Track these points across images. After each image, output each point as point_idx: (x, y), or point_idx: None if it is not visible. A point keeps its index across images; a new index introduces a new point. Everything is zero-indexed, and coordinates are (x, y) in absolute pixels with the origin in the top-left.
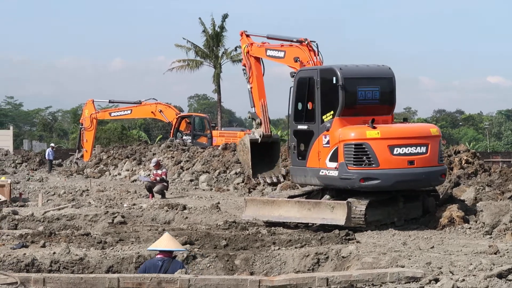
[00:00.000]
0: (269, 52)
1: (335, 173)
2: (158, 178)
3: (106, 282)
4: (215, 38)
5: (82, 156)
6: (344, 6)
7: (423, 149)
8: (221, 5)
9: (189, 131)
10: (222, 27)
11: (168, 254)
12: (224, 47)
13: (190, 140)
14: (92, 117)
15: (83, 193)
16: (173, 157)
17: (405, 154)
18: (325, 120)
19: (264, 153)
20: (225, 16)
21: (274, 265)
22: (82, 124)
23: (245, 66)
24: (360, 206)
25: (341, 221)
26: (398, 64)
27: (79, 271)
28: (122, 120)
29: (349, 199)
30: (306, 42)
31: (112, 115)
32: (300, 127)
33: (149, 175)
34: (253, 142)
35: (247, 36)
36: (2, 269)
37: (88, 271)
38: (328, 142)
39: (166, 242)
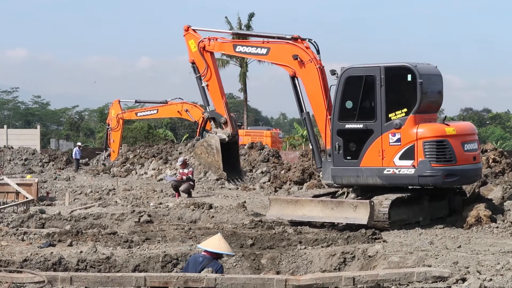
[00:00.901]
0: (241, 48)
1: (410, 171)
2: (184, 177)
3: (133, 281)
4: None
5: (109, 155)
6: (366, 5)
7: (477, 145)
8: (248, 4)
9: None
10: (248, 26)
11: (213, 254)
12: None
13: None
14: (118, 117)
15: (109, 192)
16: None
17: (471, 150)
18: (392, 118)
19: (223, 154)
20: (251, 15)
21: (300, 264)
22: (108, 125)
23: (193, 62)
24: (383, 205)
25: (364, 220)
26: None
27: (106, 270)
28: (149, 120)
29: (374, 198)
30: (307, 40)
31: (138, 115)
32: (349, 126)
33: (175, 174)
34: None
35: (194, 30)
36: (30, 268)
37: (115, 270)
38: (398, 140)
39: (213, 243)
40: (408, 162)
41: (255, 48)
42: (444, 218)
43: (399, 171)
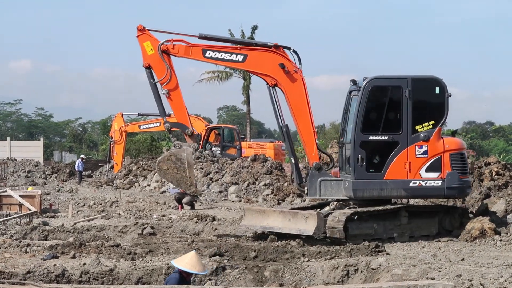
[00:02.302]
0: (212, 54)
1: (437, 183)
2: None
3: None
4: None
5: (112, 168)
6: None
7: None
8: (250, 17)
9: (218, 143)
10: (251, 39)
11: (184, 272)
12: None
13: (219, 152)
14: (121, 130)
15: (112, 204)
16: (203, 169)
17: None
18: (419, 130)
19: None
20: (254, 28)
21: (303, 276)
22: (111, 137)
23: (149, 67)
24: (340, 218)
25: (310, 232)
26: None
27: (109, 282)
28: (152, 132)
29: (327, 210)
30: (291, 50)
31: (141, 127)
32: (373, 137)
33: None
34: None
35: (149, 31)
36: (33, 280)
37: (118, 282)
38: (425, 152)
39: (186, 261)
40: (435, 174)
41: (229, 55)
42: (432, 236)
43: (425, 183)
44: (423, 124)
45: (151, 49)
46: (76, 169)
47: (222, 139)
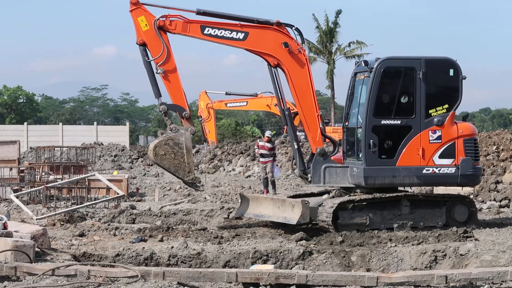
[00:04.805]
0: (212, 31)
1: (451, 170)
2: (263, 151)
3: (224, 276)
4: (329, 34)
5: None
6: None
7: None
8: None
9: (302, 127)
10: (335, 23)
11: None
12: (338, 43)
13: (303, 136)
14: (208, 107)
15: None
16: (287, 153)
17: None
18: (433, 114)
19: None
20: (338, 12)
21: (390, 262)
22: (200, 117)
23: (143, 44)
24: (329, 207)
25: (294, 220)
26: None
27: (197, 265)
28: (236, 116)
29: (325, 198)
30: (293, 28)
31: (228, 105)
32: (385, 122)
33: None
34: None
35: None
36: (122, 263)
37: (205, 265)
38: (439, 138)
39: None
40: (449, 161)
41: (229, 32)
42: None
43: (439, 170)
44: (436, 108)
45: (146, 24)
46: None
47: None
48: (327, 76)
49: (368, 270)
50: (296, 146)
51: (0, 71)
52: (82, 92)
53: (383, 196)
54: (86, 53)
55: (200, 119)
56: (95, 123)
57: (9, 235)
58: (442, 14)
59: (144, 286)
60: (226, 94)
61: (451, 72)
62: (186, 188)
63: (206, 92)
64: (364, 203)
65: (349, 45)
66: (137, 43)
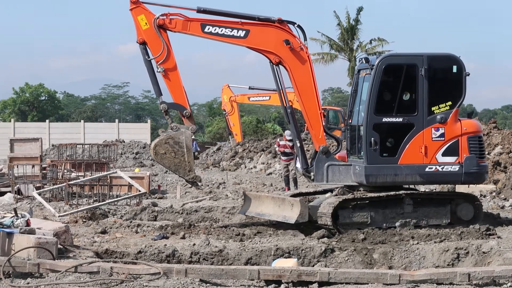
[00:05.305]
0: (212, 29)
1: (454, 168)
2: (286, 150)
3: (246, 274)
4: (350, 31)
5: (234, 141)
6: None
7: None
8: None
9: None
10: (357, 20)
11: None
12: (359, 40)
13: (324, 134)
14: (231, 100)
15: (219, 186)
16: (308, 150)
17: None
18: (436, 111)
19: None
20: (360, 9)
21: (413, 259)
22: (224, 110)
23: (143, 43)
24: (329, 205)
25: (293, 219)
26: None
27: (219, 262)
28: (257, 114)
29: (327, 196)
30: (295, 25)
31: (250, 99)
32: (386, 119)
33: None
34: None
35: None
36: (144, 260)
37: (227, 263)
38: (441, 135)
39: None
40: (452, 159)
41: (230, 30)
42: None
43: (442, 168)
44: (439, 105)
45: (146, 23)
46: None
47: (327, 121)
48: (349, 73)
49: (390, 267)
50: (299, 144)
51: (22, 68)
52: (103, 90)
53: (382, 195)
54: (108, 51)
55: (224, 112)
56: (116, 120)
57: (32, 232)
58: (469, 8)
59: (167, 283)
60: (250, 88)
61: (454, 68)
62: (207, 186)
63: (228, 86)
64: (364, 202)
65: (371, 42)
66: (137, 42)
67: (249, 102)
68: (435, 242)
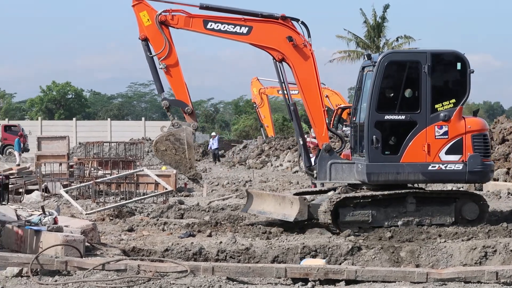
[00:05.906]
0: (214, 26)
1: (458, 167)
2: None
3: (273, 272)
4: (376, 28)
5: (266, 135)
6: None
7: None
8: None
9: (349, 122)
10: (383, 18)
11: None
12: (385, 37)
13: (349, 131)
14: (261, 92)
15: (246, 184)
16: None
17: None
18: (439, 109)
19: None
20: (386, 7)
21: (440, 257)
22: (255, 103)
23: (146, 39)
24: (329, 203)
25: (292, 217)
26: None
27: (245, 260)
28: (283, 112)
29: (331, 194)
30: (299, 21)
31: (279, 92)
32: (389, 117)
33: None
34: None
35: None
36: (171, 258)
37: (254, 260)
38: (445, 133)
39: None
40: (456, 157)
41: (233, 26)
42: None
43: (445, 166)
44: (443, 103)
45: (148, 19)
46: (209, 149)
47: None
48: None
49: (417, 266)
50: (301, 142)
51: (48, 67)
52: (130, 88)
53: (384, 193)
54: (134, 49)
55: (255, 105)
56: (143, 118)
57: (59, 230)
58: (499, 7)
59: (194, 281)
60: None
61: (458, 65)
62: (234, 184)
63: (257, 79)
64: (365, 200)
65: (397, 40)
66: (139, 38)
67: (278, 95)
68: (462, 240)
